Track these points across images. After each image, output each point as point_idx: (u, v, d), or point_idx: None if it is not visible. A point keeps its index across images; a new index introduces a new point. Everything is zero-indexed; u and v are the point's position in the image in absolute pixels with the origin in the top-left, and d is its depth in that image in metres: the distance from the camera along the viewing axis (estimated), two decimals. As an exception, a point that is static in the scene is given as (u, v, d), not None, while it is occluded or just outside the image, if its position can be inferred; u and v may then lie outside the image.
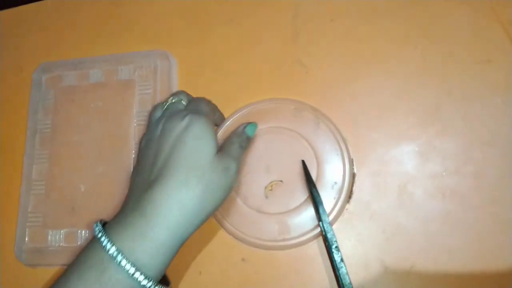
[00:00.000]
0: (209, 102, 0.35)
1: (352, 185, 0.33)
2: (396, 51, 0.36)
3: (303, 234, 0.32)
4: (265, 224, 0.33)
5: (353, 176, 0.33)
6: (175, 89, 0.39)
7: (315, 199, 0.32)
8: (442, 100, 0.34)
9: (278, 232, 0.33)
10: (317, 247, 0.33)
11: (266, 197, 0.34)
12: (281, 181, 0.34)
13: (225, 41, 0.39)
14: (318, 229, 0.32)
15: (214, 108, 0.35)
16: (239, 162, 0.31)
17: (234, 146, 0.31)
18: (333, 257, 0.30)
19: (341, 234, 0.32)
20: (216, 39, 0.40)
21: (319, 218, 0.32)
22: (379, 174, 0.33)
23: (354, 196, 0.33)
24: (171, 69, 0.39)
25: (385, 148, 0.34)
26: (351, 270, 0.30)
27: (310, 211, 0.33)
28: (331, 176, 0.33)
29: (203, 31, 0.40)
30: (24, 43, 0.45)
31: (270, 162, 0.35)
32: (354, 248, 0.32)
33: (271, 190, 0.34)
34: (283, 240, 0.33)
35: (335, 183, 0.33)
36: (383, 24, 0.37)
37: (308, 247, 0.33)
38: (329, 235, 0.31)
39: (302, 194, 0.33)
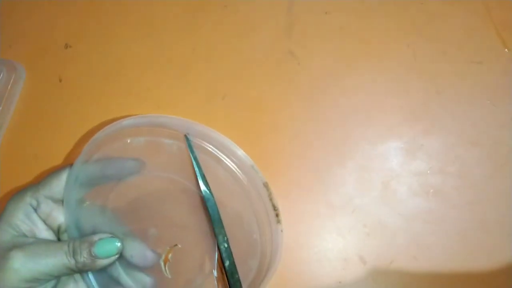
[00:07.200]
0: None
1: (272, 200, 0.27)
2: (388, 48, 0.36)
3: None
4: None
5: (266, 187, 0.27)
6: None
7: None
8: (431, 99, 0.34)
9: None
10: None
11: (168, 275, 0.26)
12: (176, 245, 0.26)
13: (219, 28, 0.39)
14: None
15: None
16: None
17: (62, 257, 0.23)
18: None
19: (323, 228, 0.32)
20: (209, 25, 0.39)
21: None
22: (364, 169, 0.33)
23: (338, 189, 0.33)
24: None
25: (371, 143, 0.33)
26: (330, 264, 0.30)
27: None
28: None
29: (196, 18, 0.40)
30: None
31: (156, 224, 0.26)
32: (334, 241, 0.32)
33: (169, 262, 0.26)
34: None
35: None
36: (377, 20, 0.36)
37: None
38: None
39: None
